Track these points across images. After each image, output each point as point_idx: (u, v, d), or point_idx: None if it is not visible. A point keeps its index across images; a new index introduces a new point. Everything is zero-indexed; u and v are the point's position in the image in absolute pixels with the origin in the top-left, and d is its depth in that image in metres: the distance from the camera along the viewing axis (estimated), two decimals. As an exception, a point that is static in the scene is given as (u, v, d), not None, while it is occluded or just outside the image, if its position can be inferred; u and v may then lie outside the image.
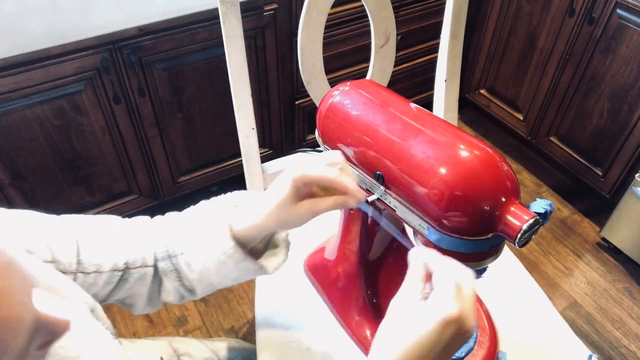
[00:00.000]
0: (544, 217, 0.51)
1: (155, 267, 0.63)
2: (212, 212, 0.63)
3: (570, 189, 2.12)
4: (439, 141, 0.55)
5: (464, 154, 0.53)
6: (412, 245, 0.53)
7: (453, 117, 1.07)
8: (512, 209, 0.51)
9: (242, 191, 0.68)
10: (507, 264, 0.94)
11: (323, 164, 0.57)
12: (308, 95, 0.98)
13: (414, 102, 0.63)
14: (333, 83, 0.78)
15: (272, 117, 1.80)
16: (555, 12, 1.78)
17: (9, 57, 1.23)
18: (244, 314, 1.67)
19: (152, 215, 0.68)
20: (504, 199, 0.51)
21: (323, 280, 0.85)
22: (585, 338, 1.62)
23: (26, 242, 0.52)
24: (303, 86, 0.97)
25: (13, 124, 1.33)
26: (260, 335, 0.81)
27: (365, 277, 0.77)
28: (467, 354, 0.72)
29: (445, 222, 0.52)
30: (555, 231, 1.96)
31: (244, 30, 0.83)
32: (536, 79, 1.95)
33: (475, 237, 0.52)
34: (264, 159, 0.98)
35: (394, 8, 0.95)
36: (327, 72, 0.96)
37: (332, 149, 0.67)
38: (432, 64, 1.12)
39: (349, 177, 0.56)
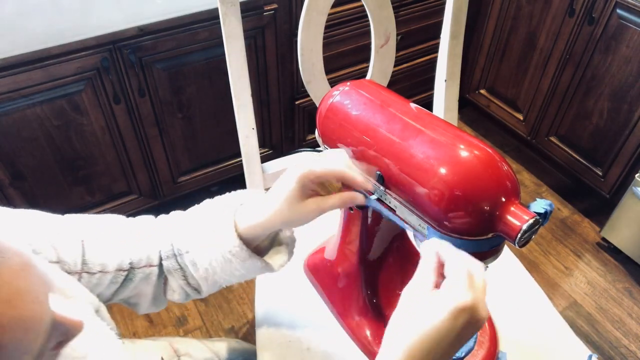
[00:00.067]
0: (544, 217, 0.51)
1: (160, 266, 0.63)
2: (217, 210, 0.62)
3: (570, 189, 2.12)
4: (439, 141, 0.55)
5: (464, 154, 0.53)
6: (424, 237, 0.53)
7: (453, 117, 1.07)
8: (512, 209, 0.51)
9: (247, 189, 0.67)
10: (507, 264, 0.94)
11: (327, 161, 0.57)
12: (308, 95, 0.98)
13: (414, 102, 0.62)
14: (333, 83, 0.78)
15: (272, 117, 1.80)
16: (555, 12, 1.78)
17: (9, 57, 1.23)
18: (244, 314, 1.67)
19: (153, 215, 0.67)
20: (504, 199, 0.51)
21: (323, 280, 0.85)
22: (585, 338, 1.62)
23: (32, 242, 0.52)
24: (303, 86, 0.97)
25: (13, 124, 1.33)
26: (260, 335, 0.81)
27: (365, 277, 0.77)
28: (467, 354, 0.72)
29: (445, 222, 0.52)
30: (555, 231, 1.96)
31: (244, 30, 0.83)
32: (536, 79, 1.95)
33: (475, 237, 0.52)
34: (264, 159, 0.98)
35: (394, 8, 0.95)
36: (327, 72, 0.96)
37: (332, 148, 0.67)
38: (432, 64, 1.12)
39: (357, 171, 0.56)
